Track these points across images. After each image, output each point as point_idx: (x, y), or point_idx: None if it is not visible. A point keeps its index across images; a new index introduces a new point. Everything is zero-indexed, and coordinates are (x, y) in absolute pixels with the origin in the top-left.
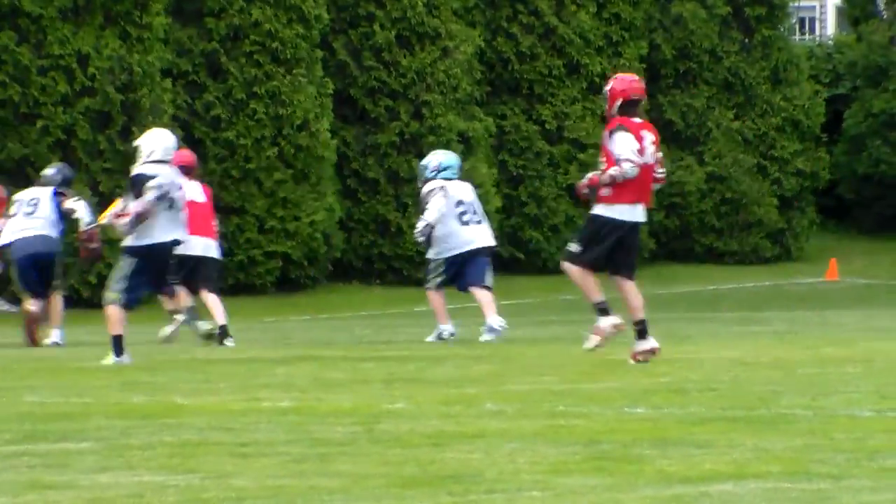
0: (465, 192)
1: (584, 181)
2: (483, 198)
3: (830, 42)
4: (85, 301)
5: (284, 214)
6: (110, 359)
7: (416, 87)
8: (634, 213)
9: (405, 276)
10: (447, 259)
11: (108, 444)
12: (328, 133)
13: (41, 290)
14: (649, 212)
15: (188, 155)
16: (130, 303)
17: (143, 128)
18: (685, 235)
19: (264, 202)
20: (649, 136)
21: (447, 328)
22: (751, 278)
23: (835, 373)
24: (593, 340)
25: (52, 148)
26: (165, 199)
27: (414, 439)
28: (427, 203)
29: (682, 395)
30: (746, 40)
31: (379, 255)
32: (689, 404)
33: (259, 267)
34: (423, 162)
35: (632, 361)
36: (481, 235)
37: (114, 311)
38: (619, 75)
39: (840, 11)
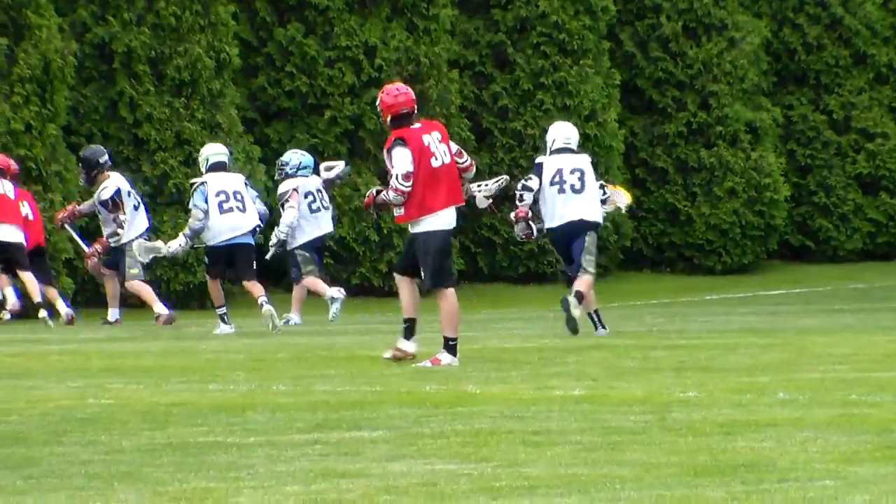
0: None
1: (367, 198)
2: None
3: None
4: (377, 289)
5: None
6: None
7: (703, 78)
8: (451, 218)
9: (696, 264)
10: (303, 246)
11: (400, 433)
12: (616, 123)
13: None
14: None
15: (2, 159)
16: None
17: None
18: None
19: None
20: (436, 136)
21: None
22: None
23: None
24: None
25: (339, 138)
26: None
27: (706, 428)
28: (286, 202)
29: None
30: None
31: (669, 244)
32: None
33: (549, 255)
34: (284, 159)
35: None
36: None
37: None
38: (387, 88)
39: None
